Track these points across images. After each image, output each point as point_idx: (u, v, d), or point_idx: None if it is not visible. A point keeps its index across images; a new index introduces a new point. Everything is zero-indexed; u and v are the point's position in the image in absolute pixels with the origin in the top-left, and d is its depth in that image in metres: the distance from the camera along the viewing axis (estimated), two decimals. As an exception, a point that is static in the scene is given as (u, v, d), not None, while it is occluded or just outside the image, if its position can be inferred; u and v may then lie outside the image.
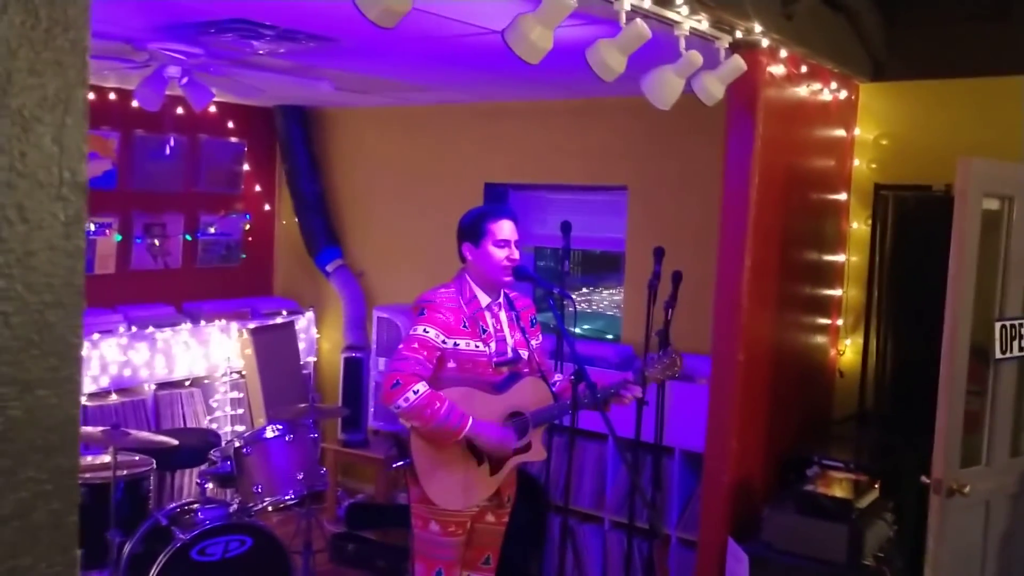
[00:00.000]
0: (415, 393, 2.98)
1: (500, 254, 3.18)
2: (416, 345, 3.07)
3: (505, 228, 3.21)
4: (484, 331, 3.19)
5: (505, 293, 3.32)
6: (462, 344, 3.14)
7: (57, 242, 0.62)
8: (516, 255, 3.21)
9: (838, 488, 3.36)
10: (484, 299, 3.22)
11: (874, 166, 4.20)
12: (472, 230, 3.23)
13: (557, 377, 3.46)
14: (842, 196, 4.21)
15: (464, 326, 3.15)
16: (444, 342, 3.10)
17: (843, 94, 4.06)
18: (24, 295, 0.61)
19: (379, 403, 5.52)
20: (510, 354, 3.25)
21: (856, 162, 4.24)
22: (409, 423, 3.08)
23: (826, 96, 3.96)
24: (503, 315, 3.28)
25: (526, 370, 3.30)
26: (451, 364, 3.14)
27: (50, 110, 0.61)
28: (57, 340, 0.63)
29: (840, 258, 4.24)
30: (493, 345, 3.20)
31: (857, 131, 4.23)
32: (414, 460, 3.13)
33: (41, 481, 0.64)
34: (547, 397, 3.28)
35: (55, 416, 0.64)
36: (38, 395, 0.63)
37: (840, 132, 4.14)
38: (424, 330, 3.10)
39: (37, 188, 0.61)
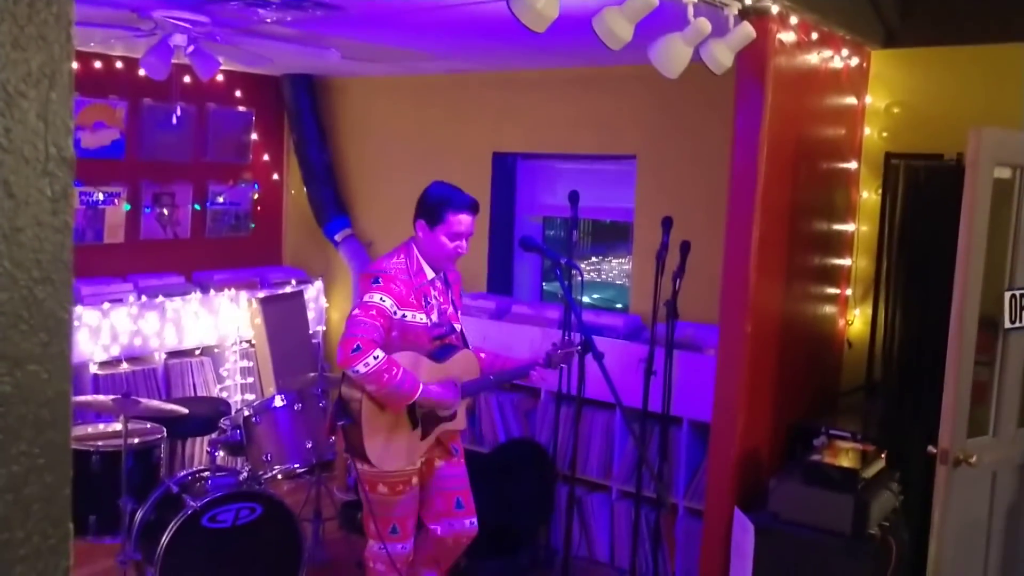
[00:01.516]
0: (375, 359, 3.06)
1: (450, 245, 3.29)
2: (374, 312, 3.14)
3: (464, 223, 3.29)
4: (427, 303, 3.29)
5: None
6: (408, 315, 3.24)
7: (44, 218, 0.62)
8: (465, 249, 3.33)
9: (845, 458, 3.36)
10: (429, 273, 3.34)
11: (885, 135, 4.15)
12: (432, 212, 3.29)
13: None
14: (852, 165, 4.17)
15: (412, 298, 3.25)
16: (395, 313, 3.20)
17: (854, 61, 4.01)
18: (12, 271, 0.61)
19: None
20: (446, 327, 3.39)
21: (867, 131, 4.19)
22: (365, 387, 3.16)
23: (837, 64, 3.91)
24: (441, 287, 3.42)
25: (457, 342, 3.45)
26: (394, 334, 3.24)
27: (35, 85, 0.60)
28: (47, 316, 0.63)
29: (850, 228, 4.22)
30: (435, 317, 3.33)
31: (868, 99, 4.18)
32: (362, 422, 3.23)
33: (33, 455, 0.64)
34: (476, 370, 3.46)
35: (46, 391, 0.64)
36: (29, 370, 0.63)
37: (851, 100, 4.10)
38: (381, 299, 3.17)
39: (23, 164, 0.60)
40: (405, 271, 3.26)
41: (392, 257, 3.31)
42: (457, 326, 3.44)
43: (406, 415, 3.29)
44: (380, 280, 3.20)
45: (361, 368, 3.04)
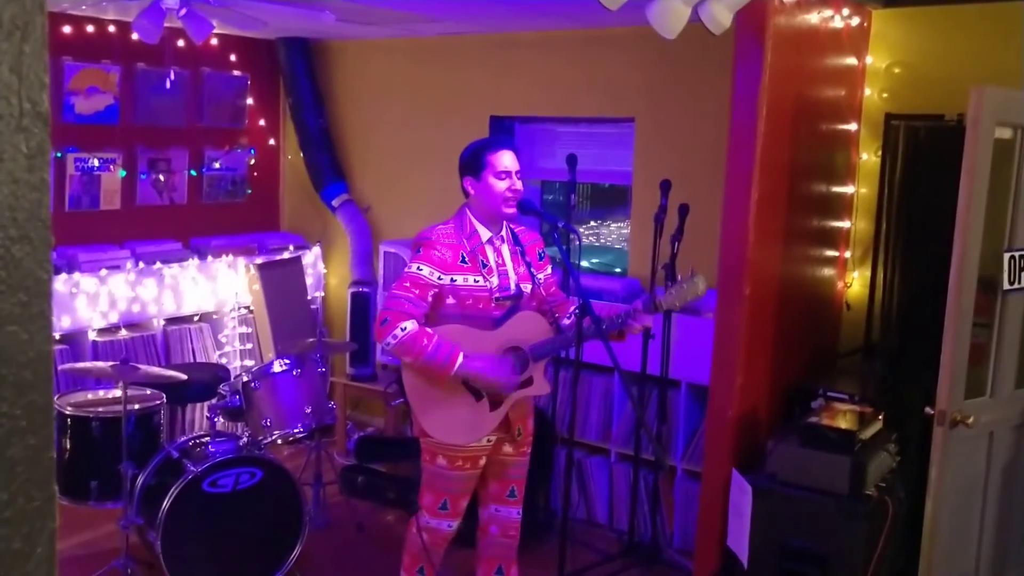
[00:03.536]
0: (403, 331, 3.01)
1: (501, 185, 3.15)
2: (408, 284, 3.08)
3: (505, 159, 3.17)
4: (485, 265, 3.17)
5: (510, 227, 3.30)
6: (460, 280, 3.13)
7: (20, 175, 0.60)
8: (518, 186, 3.17)
9: (842, 420, 3.37)
10: (485, 233, 3.20)
11: (886, 95, 4.12)
12: (472, 163, 3.20)
13: (572, 309, 3.44)
14: (852, 127, 4.14)
15: (463, 261, 3.14)
16: (440, 279, 3.10)
17: (855, 21, 3.97)
18: (-12, 230, 0.59)
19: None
20: (513, 289, 3.23)
21: (867, 91, 4.15)
22: (401, 359, 3.12)
23: (838, 23, 3.87)
24: (506, 249, 3.26)
25: (532, 304, 3.30)
26: (450, 300, 3.15)
27: (6, 38, 0.59)
28: (25, 275, 0.62)
29: (849, 190, 4.19)
30: (495, 280, 3.19)
31: (869, 59, 4.14)
32: (408, 396, 3.18)
33: (15, 417, 0.64)
34: (546, 330, 3.26)
35: (26, 352, 0.63)
36: (8, 331, 0.62)
37: (851, 61, 4.06)
38: (418, 268, 3.11)
39: (-4, 119, 0.59)
40: (453, 234, 3.16)
41: (440, 223, 3.22)
42: (527, 287, 3.25)
43: (466, 387, 3.15)
44: (421, 249, 3.15)
45: (391, 340, 3.01)
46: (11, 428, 0.63)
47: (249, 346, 5.73)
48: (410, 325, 3.02)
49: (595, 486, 4.73)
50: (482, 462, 3.27)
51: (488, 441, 3.25)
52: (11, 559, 0.64)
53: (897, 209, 3.96)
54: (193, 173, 5.77)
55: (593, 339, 3.16)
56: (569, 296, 3.81)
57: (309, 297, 5.96)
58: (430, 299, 3.11)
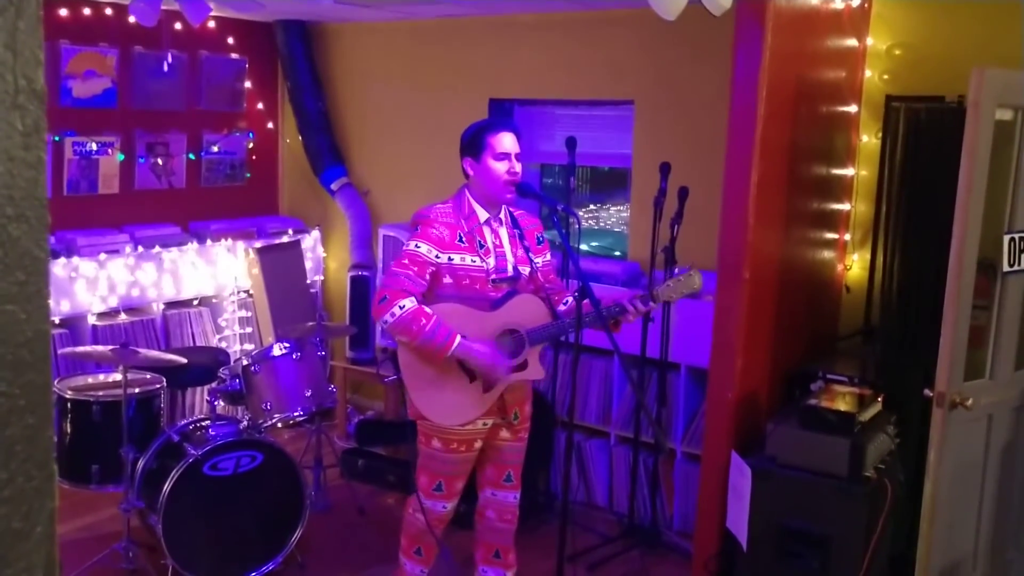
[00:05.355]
0: (401, 308, 3.00)
1: (500, 168, 3.13)
2: (406, 261, 3.08)
3: (505, 141, 3.15)
4: (482, 246, 3.16)
5: (509, 211, 3.29)
6: (457, 259, 3.12)
7: (16, 153, 0.60)
8: (517, 168, 3.16)
9: (842, 402, 3.38)
10: (483, 214, 3.19)
11: (886, 77, 4.10)
12: (472, 144, 3.19)
13: (568, 296, 3.44)
14: (852, 109, 4.13)
15: (460, 241, 3.13)
16: (437, 257, 3.10)
17: (856, 2, 3.95)
18: (-16, 208, 0.59)
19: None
20: (510, 271, 3.22)
21: (868, 73, 4.14)
22: (397, 338, 3.11)
23: (838, 4, 3.85)
24: (504, 231, 3.25)
25: (529, 288, 3.29)
26: (447, 280, 3.14)
27: (0, 14, 0.58)
28: (22, 254, 0.62)
29: (849, 172, 4.18)
30: (492, 261, 3.17)
31: (870, 41, 4.12)
32: (403, 375, 3.17)
33: (13, 396, 0.63)
34: (544, 315, 3.23)
35: (25, 331, 0.63)
36: (5, 310, 0.62)
37: (852, 42, 4.04)
38: (416, 245, 3.10)
39: (-9, 96, 0.58)
40: (451, 214, 3.15)
41: (439, 202, 3.21)
42: (525, 270, 3.23)
43: (460, 368, 3.14)
44: (418, 226, 3.14)
45: (388, 318, 3.01)
46: (10, 407, 0.63)
47: (249, 330, 5.73)
48: (409, 303, 3.01)
49: (595, 469, 4.74)
50: (478, 445, 3.27)
51: (484, 425, 3.25)
52: (11, 538, 0.64)
53: (897, 191, 3.95)
54: (192, 157, 5.75)
55: (591, 327, 3.16)
56: (568, 281, 3.81)
57: (308, 281, 5.96)
58: (428, 277, 3.10)
